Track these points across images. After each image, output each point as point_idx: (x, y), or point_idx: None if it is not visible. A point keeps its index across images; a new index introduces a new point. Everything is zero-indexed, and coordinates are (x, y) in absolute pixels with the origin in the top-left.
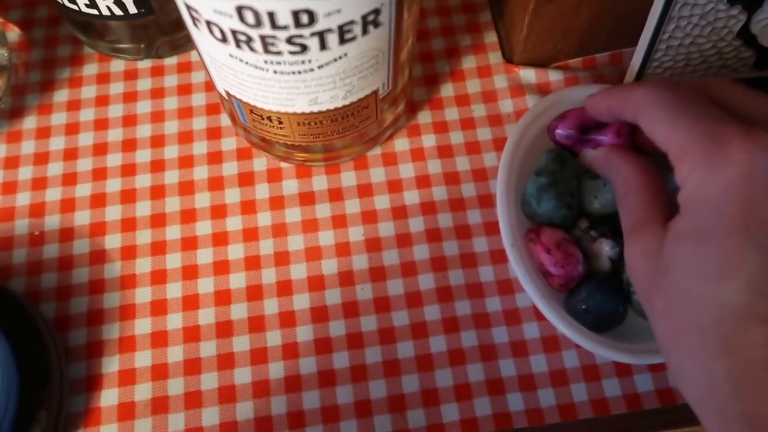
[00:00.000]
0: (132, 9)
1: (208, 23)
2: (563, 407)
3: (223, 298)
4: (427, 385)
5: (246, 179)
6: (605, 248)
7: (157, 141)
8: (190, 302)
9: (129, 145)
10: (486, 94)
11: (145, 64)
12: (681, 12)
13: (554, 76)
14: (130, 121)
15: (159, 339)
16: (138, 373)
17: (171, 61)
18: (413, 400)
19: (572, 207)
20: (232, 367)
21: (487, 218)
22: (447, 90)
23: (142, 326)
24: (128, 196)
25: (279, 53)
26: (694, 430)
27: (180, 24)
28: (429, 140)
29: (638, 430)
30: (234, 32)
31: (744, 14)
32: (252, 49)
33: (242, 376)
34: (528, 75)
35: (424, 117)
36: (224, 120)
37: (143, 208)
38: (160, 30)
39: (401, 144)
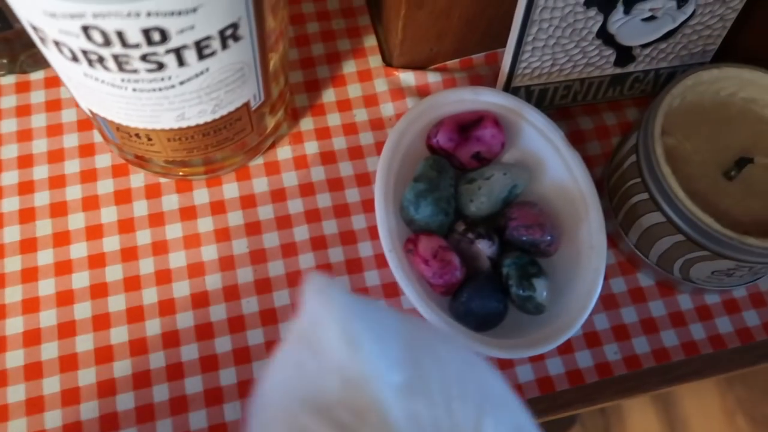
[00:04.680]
0: None
1: (56, 43)
2: None
3: (102, 322)
4: None
5: (123, 197)
6: (483, 249)
7: (25, 161)
8: (66, 329)
9: None
10: (367, 99)
11: (8, 80)
12: (542, 15)
13: (433, 77)
14: None
15: (33, 371)
16: (11, 408)
17: (37, 75)
18: None
19: (449, 213)
20: (113, 394)
21: (372, 222)
22: (328, 95)
23: (14, 359)
24: None
25: (135, 71)
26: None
27: None
28: (312, 147)
29: None
30: (84, 52)
31: (600, 15)
32: (106, 68)
33: (124, 402)
34: (407, 78)
35: (307, 124)
36: (98, 136)
37: (11, 234)
38: (23, 44)
39: (284, 152)
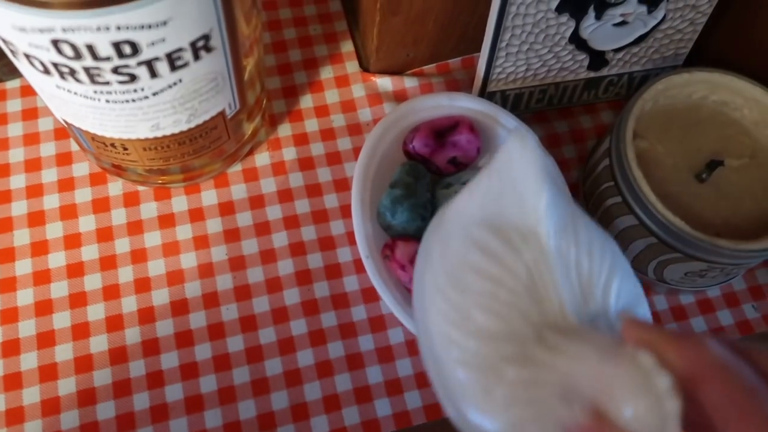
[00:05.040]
0: None
1: (27, 56)
2: (429, 407)
3: (82, 331)
4: (297, 400)
5: (101, 205)
6: None
7: (2, 171)
8: (46, 339)
9: None
10: (345, 104)
11: None
12: (514, 21)
13: (410, 83)
14: None
15: (12, 381)
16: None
17: (13, 84)
18: (283, 417)
19: (426, 218)
20: (94, 403)
21: (351, 228)
22: (306, 101)
23: None
24: None
25: (107, 83)
26: None
27: None
28: (290, 153)
29: None
30: (55, 65)
31: (572, 21)
32: (78, 81)
33: (104, 411)
34: (385, 83)
35: (284, 130)
36: (75, 144)
37: None
38: None
39: (262, 159)
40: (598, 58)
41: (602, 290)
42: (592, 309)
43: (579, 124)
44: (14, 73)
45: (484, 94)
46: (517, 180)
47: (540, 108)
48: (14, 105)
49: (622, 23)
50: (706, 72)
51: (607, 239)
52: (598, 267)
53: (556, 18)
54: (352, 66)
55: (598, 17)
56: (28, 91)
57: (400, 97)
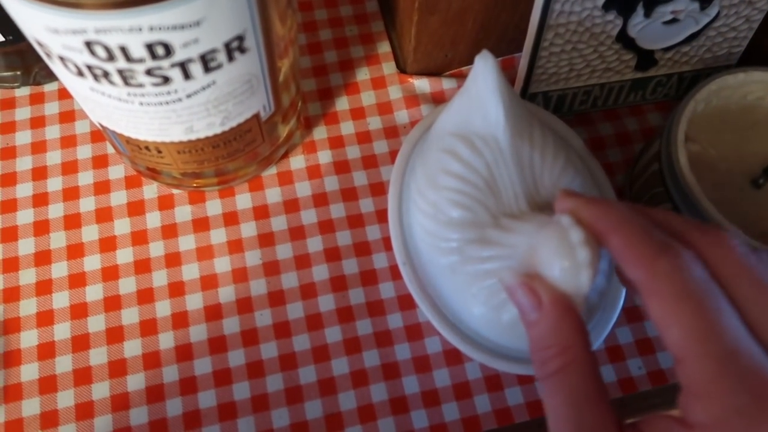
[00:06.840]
0: None
1: (61, 58)
2: (467, 420)
3: (116, 335)
4: (331, 410)
5: (136, 208)
6: None
7: (39, 173)
8: (80, 343)
9: (8, 179)
10: (381, 106)
11: (23, 92)
12: (558, 20)
13: (448, 84)
14: (8, 153)
15: (47, 385)
16: (26, 421)
17: (51, 87)
18: (317, 426)
19: None
20: (127, 408)
21: (387, 233)
22: (342, 103)
23: (28, 373)
24: (9, 234)
25: (141, 86)
26: None
27: None
28: (325, 156)
29: None
30: (89, 67)
31: (620, 19)
32: (111, 83)
33: (137, 416)
34: (422, 84)
35: (320, 133)
36: (111, 147)
37: (26, 246)
38: (37, 56)
39: (297, 162)
40: (646, 58)
41: (553, 183)
42: (543, 197)
43: (624, 126)
44: (51, 76)
45: (526, 95)
46: (480, 95)
47: (584, 110)
48: (52, 108)
49: (673, 21)
50: (763, 71)
51: (562, 144)
52: (551, 164)
53: (602, 16)
54: (388, 67)
55: (647, 15)
56: (65, 94)
57: (437, 98)
